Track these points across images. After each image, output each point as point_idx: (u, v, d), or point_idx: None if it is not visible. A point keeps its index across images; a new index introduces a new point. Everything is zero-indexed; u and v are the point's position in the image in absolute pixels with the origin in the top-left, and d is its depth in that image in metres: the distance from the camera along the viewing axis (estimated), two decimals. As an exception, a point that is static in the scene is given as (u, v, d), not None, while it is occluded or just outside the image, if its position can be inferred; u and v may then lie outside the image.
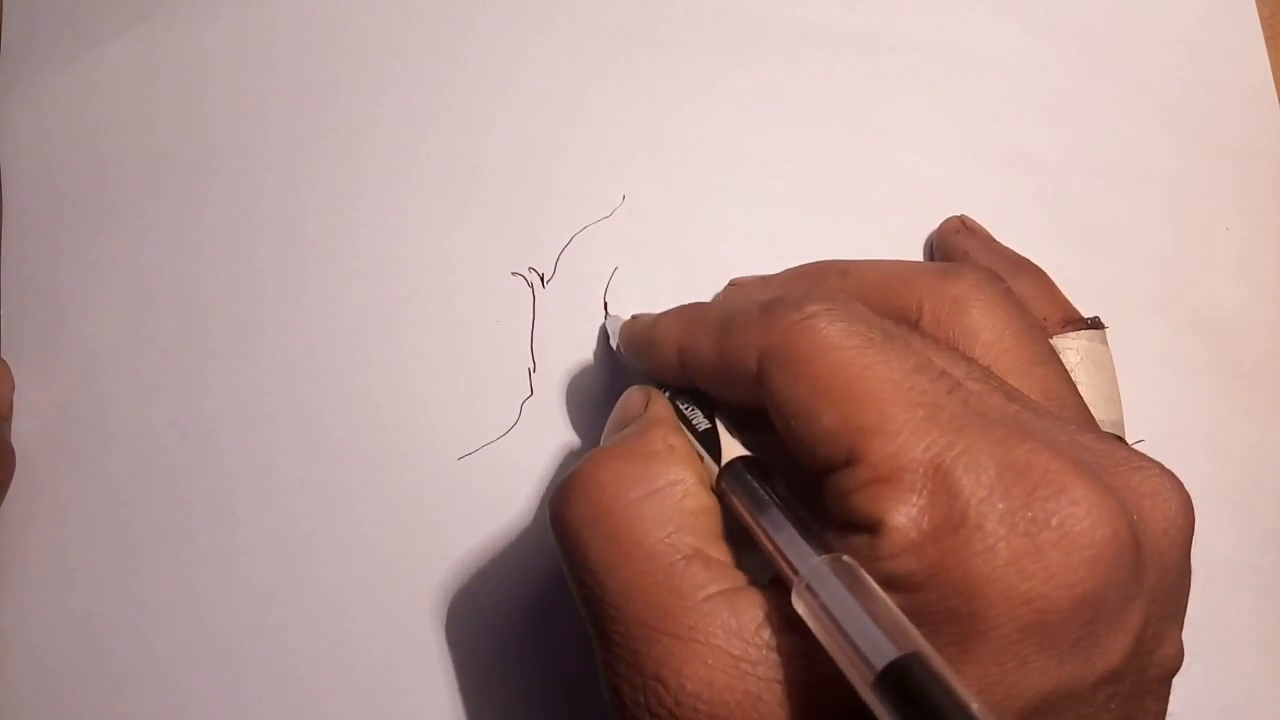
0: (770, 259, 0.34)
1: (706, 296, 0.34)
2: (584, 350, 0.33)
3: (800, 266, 0.29)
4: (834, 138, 0.35)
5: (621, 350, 0.29)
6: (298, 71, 0.35)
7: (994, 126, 0.36)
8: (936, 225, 0.34)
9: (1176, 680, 0.31)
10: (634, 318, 0.29)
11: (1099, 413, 0.26)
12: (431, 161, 0.35)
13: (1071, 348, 0.28)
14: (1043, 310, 0.29)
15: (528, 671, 0.30)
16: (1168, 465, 0.33)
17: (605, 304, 0.34)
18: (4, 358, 0.33)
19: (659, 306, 0.33)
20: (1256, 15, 0.37)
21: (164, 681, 0.30)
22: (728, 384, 0.23)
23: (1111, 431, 0.27)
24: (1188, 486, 0.32)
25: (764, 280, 0.30)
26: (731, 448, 0.24)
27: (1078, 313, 0.30)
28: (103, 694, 0.30)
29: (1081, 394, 0.25)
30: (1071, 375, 0.25)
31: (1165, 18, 0.37)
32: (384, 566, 0.31)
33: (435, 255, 0.34)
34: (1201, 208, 0.35)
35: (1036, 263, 0.32)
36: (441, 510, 0.32)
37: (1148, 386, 0.34)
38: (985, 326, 0.23)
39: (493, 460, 0.32)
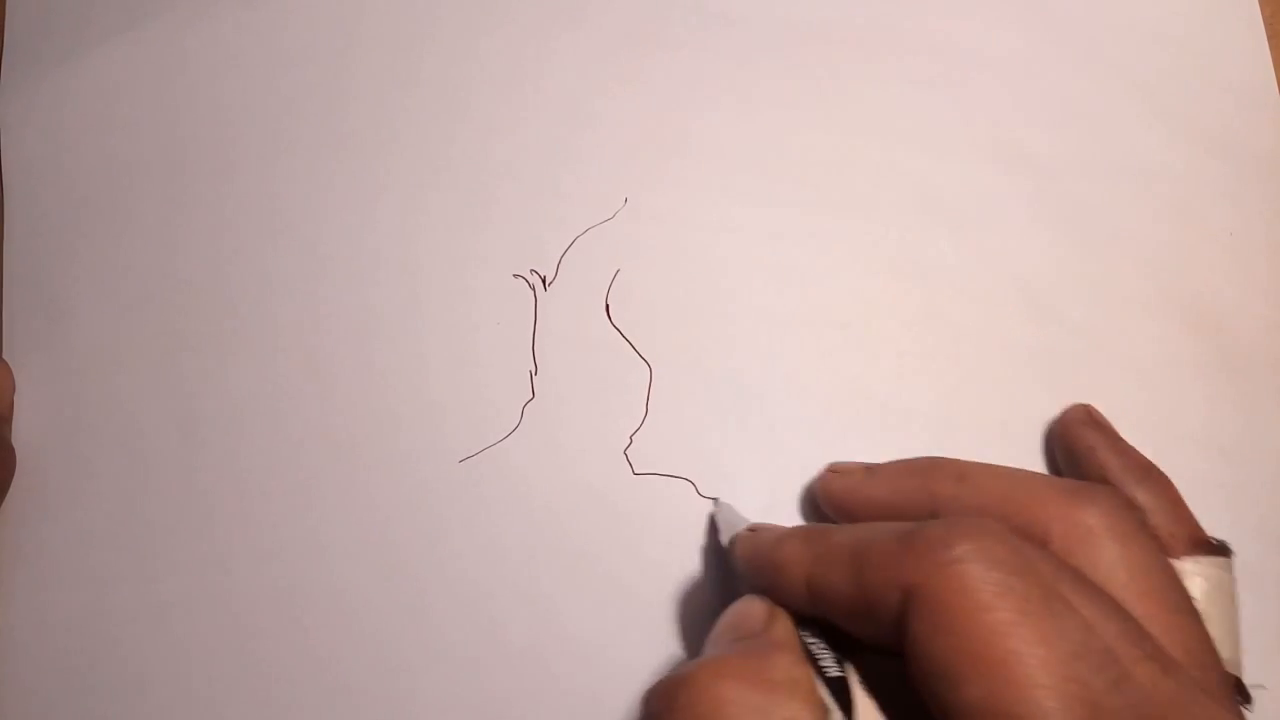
0: (772, 261, 0.34)
1: (707, 299, 0.34)
2: (586, 353, 0.33)
3: (913, 462, 0.27)
4: (836, 139, 0.35)
5: (737, 563, 0.27)
6: (303, 74, 0.35)
7: (995, 127, 0.36)
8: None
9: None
10: (752, 529, 0.27)
11: (1223, 651, 0.24)
12: (433, 164, 0.35)
13: (1200, 574, 0.26)
14: (1167, 527, 0.27)
15: (528, 673, 0.31)
16: (1165, 466, 0.33)
17: (608, 305, 0.33)
18: (4, 358, 0.33)
19: (661, 309, 0.33)
20: (1259, 15, 0.37)
21: (164, 681, 0.31)
22: (865, 621, 0.21)
23: (1231, 672, 0.25)
24: (1186, 487, 0.33)
25: (869, 471, 0.28)
26: (866, 711, 0.21)
27: (1204, 532, 0.27)
28: (102, 694, 0.30)
29: (1219, 624, 0.24)
30: (1200, 605, 0.24)
31: (1167, 18, 0.37)
32: (385, 568, 0.31)
33: (436, 257, 0.34)
34: (1203, 209, 0.35)
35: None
36: (443, 513, 0.32)
37: (1147, 387, 0.34)
38: (1120, 564, 0.22)
39: (494, 463, 0.32)
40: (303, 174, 0.34)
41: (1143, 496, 0.27)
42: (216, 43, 0.36)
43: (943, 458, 0.26)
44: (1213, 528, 0.33)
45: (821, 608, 0.22)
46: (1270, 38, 0.37)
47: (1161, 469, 0.29)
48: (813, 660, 0.22)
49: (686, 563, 0.31)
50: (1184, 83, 0.37)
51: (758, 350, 0.33)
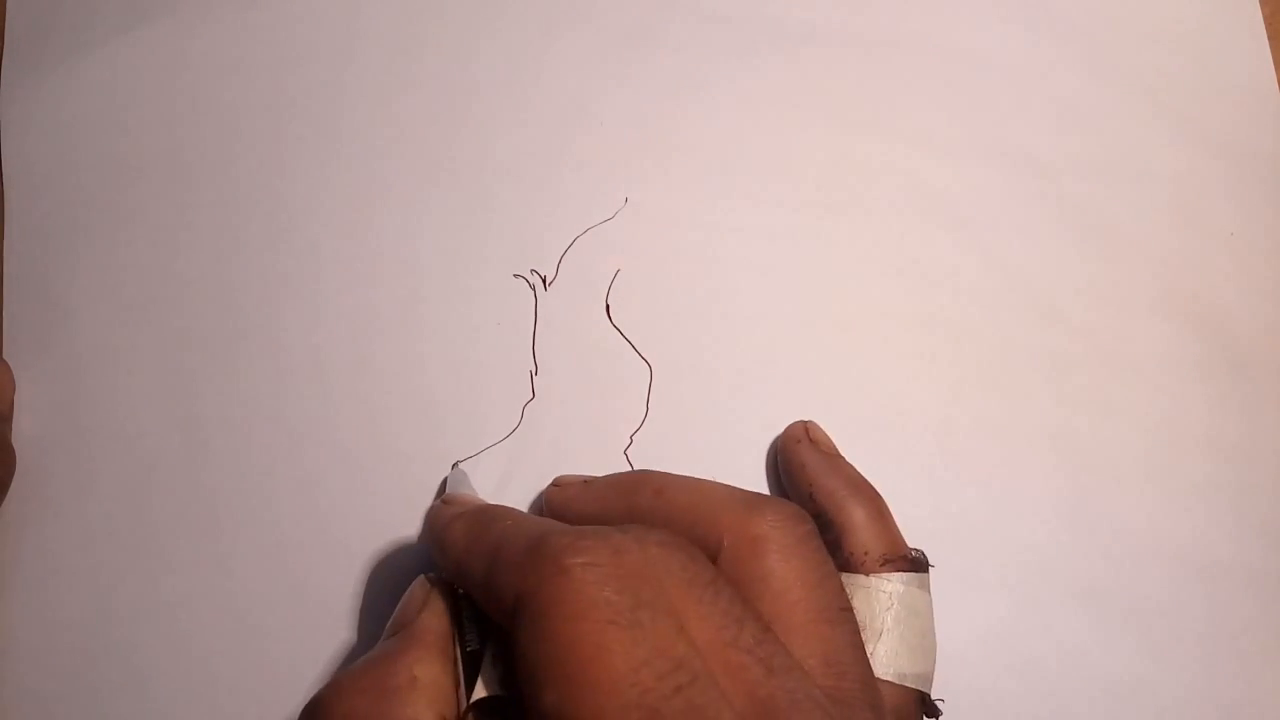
0: (772, 261, 0.34)
1: (707, 299, 0.34)
2: (586, 353, 0.33)
3: (620, 477, 0.28)
4: (837, 140, 0.35)
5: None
6: (304, 75, 0.35)
7: (997, 128, 0.36)
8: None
9: (1179, 682, 0.31)
10: (443, 500, 0.28)
11: (904, 664, 0.26)
12: (433, 164, 0.35)
13: (885, 590, 0.26)
14: (865, 543, 0.27)
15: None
16: (1167, 467, 0.33)
17: (608, 305, 0.34)
18: (4, 358, 0.33)
19: (661, 309, 0.33)
20: (1260, 16, 0.37)
21: (165, 681, 0.30)
22: (495, 616, 0.22)
23: (915, 686, 0.26)
24: (1188, 488, 0.33)
25: (585, 484, 0.29)
26: (489, 682, 0.22)
27: (904, 548, 0.28)
28: (102, 694, 0.30)
29: (888, 642, 0.25)
30: (880, 620, 0.25)
31: (1168, 19, 0.37)
32: (385, 568, 0.31)
33: (437, 257, 0.34)
34: (1204, 210, 0.35)
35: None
36: (443, 512, 0.32)
37: (1148, 387, 0.34)
38: (778, 574, 0.23)
39: (494, 463, 0.32)
40: (303, 174, 0.34)
41: (849, 511, 0.28)
42: (217, 43, 0.36)
43: (649, 472, 0.27)
44: (1215, 527, 0.33)
45: (469, 594, 0.24)
46: (1270, 38, 0.37)
47: (872, 485, 0.29)
48: (462, 635, 0.23)
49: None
50: (1185, 83, 0.37)
51: (758, 350, 0.33)
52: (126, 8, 0.36)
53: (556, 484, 0.30)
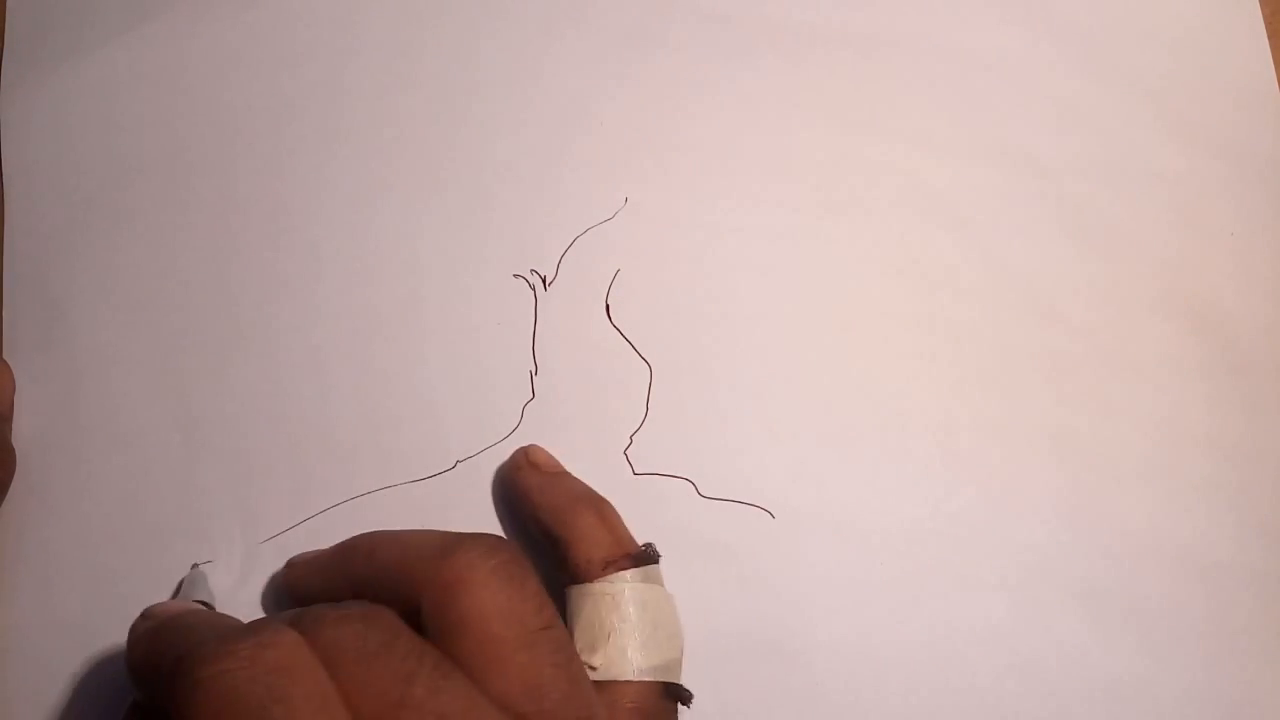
0: (772, 261, 0.34)
1: (707, 299, 0.34)
2: (587, 353, 0.33)
3: (337, 547, 0.27)
4: (837, 140, 0.35)
5: None
6: (302, 74, 0.35)
7: (997, 128, 0.36)
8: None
9: (1179, 682, 0.31)
10: (143, 614, 0.27)
11: (639, 660, 0.26)
12: (433, 164, 0.35)
13: (609, 593, 0.27)
14: (587, 552, 0.28)
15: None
16: (1168, 467, 0.33)
17: (608, 305, 0.34)
18: (4, 358, 0.33)
19: (661, 309, 0.33)
20: (1260, 16, 0.37)
21: (165, 682, 0.30)
22: None
23: (656, 679, 0.26)
24: (1188, 488, 0.33)
25: (310, 562, 0.29)
26: None
27: (628, 546, 0.28)
28: (102, 694, 0.30)
29: (617, 642, 0.26)
30: (608, 622, 0.26)
31: (1169, 19, 0.37)
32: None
33: (437, 257, 0.34)
34: (1204, 210, 0.35)
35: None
36: (442, 513, 0.32)
37: (1149, 387, 0.34)
38: (473, 614, 0.22)
39: (494, 463, 0.32)
40: (303, 174, 0.34)
41: (576, 527, 0.28)
42: (217, 43, 0.36)
43: (361, 536, 0.26)
44: (1215, 527, 0.33)
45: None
46: (1271, 38, 0.37)
47: (596, 493, 0.29)
48: None
49: (686, 562, 0.31)
50: (1185, 83, 0.36)
51: (758, 350, 0.33)
52: (126, 8, 0.36)
53: (289, 564, 0.30)
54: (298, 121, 0.35)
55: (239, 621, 0.23)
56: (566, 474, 0.31)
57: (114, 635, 0.31)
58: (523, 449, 0.32)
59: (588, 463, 0.32)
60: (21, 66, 0.35)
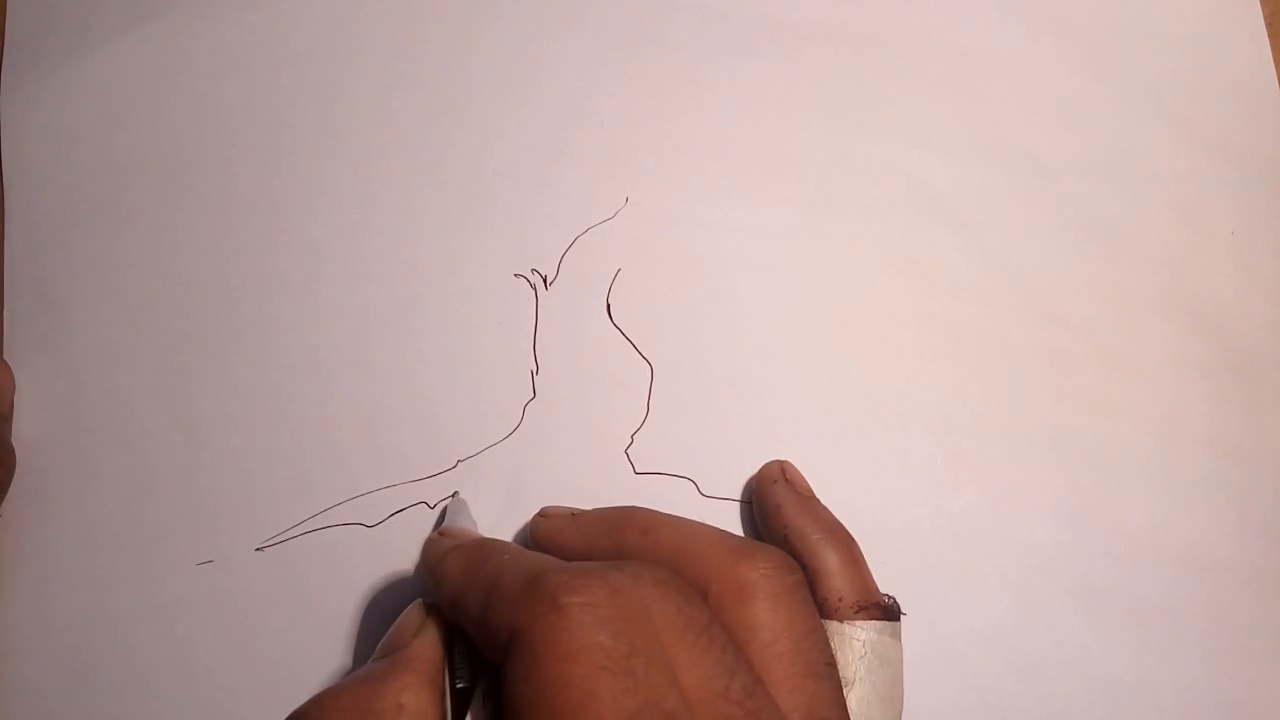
0: (772, 261, 0.34)
1: (707, 298, 0.34)
2: (587, 353, 0.33)
3: (608, 512, 0.28)
4: (837, 139, 0.35)
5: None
6: (302, 73, 0.35)
7: (997, 127, 0.36)
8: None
9: (1180, 682, 0.31)
10: (440, 532, 0.28)
11: (875, 714, 0.26)
12: (434, 163, 0.35)
13: (859, 639, 0.26)
14: (840, 589, 0.27)
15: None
16: (1168, 466, 0.33)
17: (609, 305, 0.34)
18: (4, 358, 0.33)
19: (662, 309, 0.33)
20: (1261, 16, 0.37)
21: (165, 681, 0.30)
22: (488, 652, 0.22)
23: None
24: (1188, 487, 0.33)
25: (572, 518, 0.28)
26: None
27: (878, 595, 0.28)
28: (103, 694, 0.30)
29: (859, 692, 0.25)
30: (853, 668, 0.26)
31: (1168, 18, 0.37)
32: (384, 570, 0.31)
33: (438, 257, 0.34)
34: (1205, 209, 0.35)
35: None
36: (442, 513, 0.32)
37: (1149, 387, 0.34)
38: (765, 624, 0.23)
39: (495, 463, 0.32)
40: (304, 174, 0.34)
41: (823, 555, 0.28)
42: (217, 43, 0.36)
43: (636, 509, 0.27)
44: (1216, 526, 0.33)
45: (463, 627, 0.23)
46: (1270, 38, 0.37)
47: (846, 529, 0.29)
48: (452, 670, 0.23)
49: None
50: (1185, 82, 0.37)
51: (758, 350, 0.33)
52: (126, 8, 0.36)
53: (543, 514, 0.30)
54: (298, 121, 0.35)
55: (537, 554, 0.24)
56: (817, 499, 0.31)
57: (114, 635, 0.31)
58: (779, 463, 0.32)
59: (589, 462, 0.32)
60: (21, 66, 0.35)
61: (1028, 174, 0.35)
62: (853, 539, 0.29)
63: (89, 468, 0.32)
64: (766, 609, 0.23)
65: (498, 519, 0.32)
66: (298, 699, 0.30)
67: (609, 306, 0.34)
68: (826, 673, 0.23)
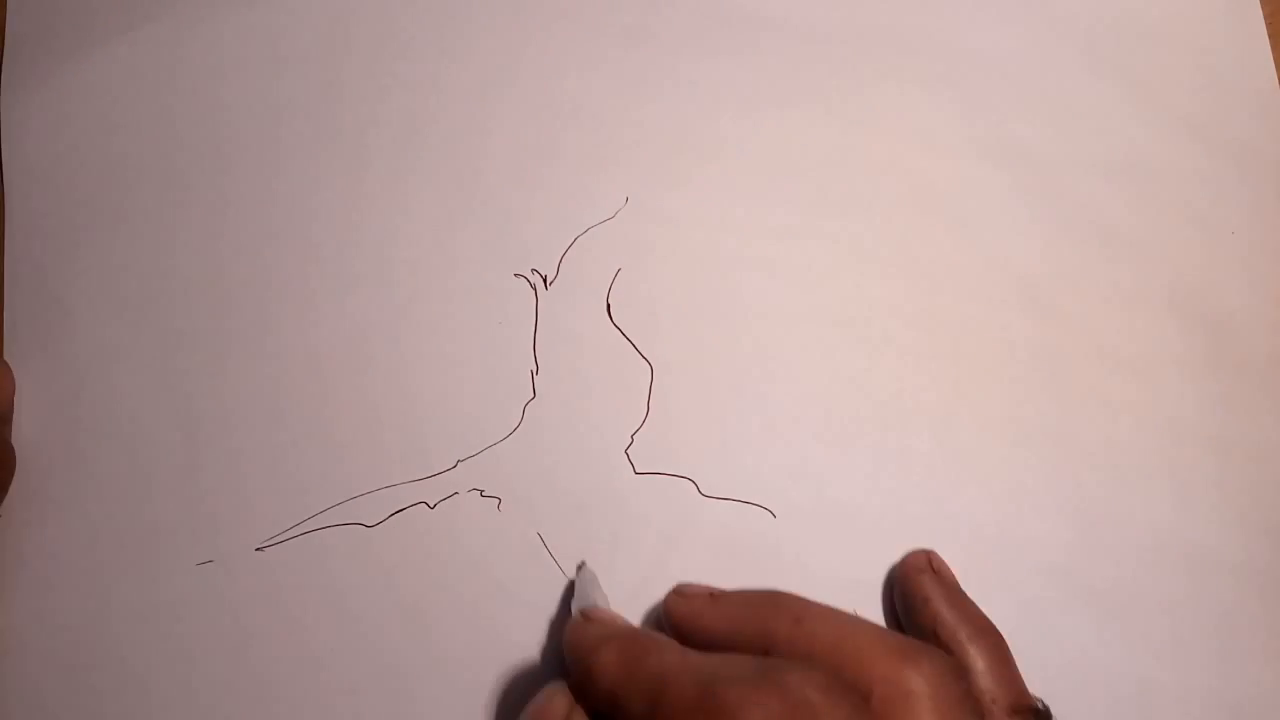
0: (773, 261, 0.34)
1: (708, 298, 0.34)
2: (587, 353, 0.33)
3: (752, 596, 0.27)
4: (838, 138, 0.35)
5: (564, 653, 0.27)
6: (301, 73, 0.35)
7: (997, 127, 0.36)
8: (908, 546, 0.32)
9: (1182, 682, 0.31)
10: (584, 616, 0.27)
11: None
12: (434, 163, 0.35)
13: None
14: (991, 690, 0.27)
15: (529, 674, 0.30)
16: (1170, 466, 0.33)
17: (609, 305, 0.33)
18: (4, 358, 0.33)
19: (662, 309, 0.33)
20: (1260, 16, 0.37)
21: (164, 682, 0.30)
22: None
23: None
24: (1192, 488, 0.33)
25: (713, 599, 0.28)
26: None
27: (1029, 698, 0.27)
28: (102, 694, 0.30)
29: None
30: None
31: (1169, 18, 0.37)
32: (384, 570, 0.31)
33: (438, 257, 0.34)
34: (1206, 209, 0.35)
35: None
36: (442, 513, 0.32)
37: (1151, 386, 0.34)
38: None
39: (495, 463, 0.32)
40: (303, 174, 0.34)
41: (972, 654, 0.27)
42: (216, 44, 0.36)
43: (784, 595, 0.26)
44: (1218, 526, 0.33)
45: None
46: (1270, 38, 0.37)
47: (995, 626, 0.29)
48: None
49: (687, 562, 0.31)
50: (1185, 81, 0.37)
51: (758, 349, 0.33)
52: (126, 8, 0.36)
53: (679, 593, 0.29)
54: (297, 121, 0.35)
55: (702, 655, 0.23)
56: (964, 593, 0.30)
57: (114, 635, 0.31)
58: (926, 553, 0.31)
59: (589, 462, 0.32)
60: (21, 66, 0.35)
61: (1028, 173, 0.35)
62: (1002, 637, 0.28)
63: (89, 468, 0.32)
64: (933, 716, 0.22)
65: (499, 521, 0.32)
66: (297, 699, 0.30)
67: (609, 306, 0.34)
68: None
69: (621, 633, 0.25)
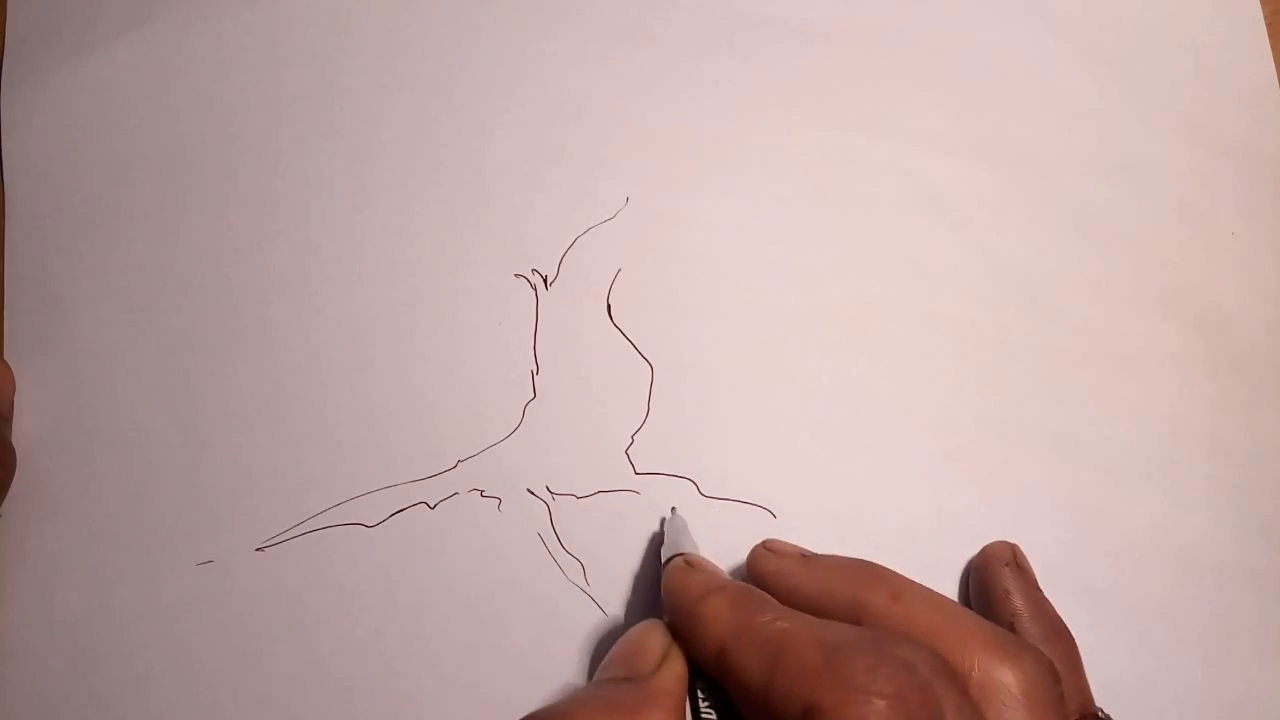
0: (773, 261, 0.34)
1: (708, 298, 0.34)
2: (587, 353, 0.33)
3: (846, 563, 0.27)
4: (839, 138, 0.35)
5: (663, 590, 0.26)
6: (302, 73, 0.35)
7: (998, 127, 0.36)
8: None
9: (1179, 682, 0.31)
10: (689, 563, 0.27)
11: None
12: (435, 163, 0.35)
13: None
14: (1064, 693, 0.26)
15: (530, 675, 0.30)
16: (1169, 466, 0.33)
17: (609, 305, 0.34)
18: (4, 358, 0.33)
19: (662, 309, 0.33)
20: (1260, 16, 0.37)
21: (165, 682, 0.30)
22: (760, 714, 0.21)
23: None
24: (1191, 488, 0.33)
25: (805, 560, 0.27)
26: None
27: (1094, 706, 0.27)
28: (102, 694, 0.30)
29: None
30: None
31: (1169, 19, 0.37)
32: (384, 570, 0.31)
33: (438, 257, 0.34)
34: (1206, 209, 0.35)
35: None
36: (442, 513, 0.32)
37: (1150, 386, 0.34)
38: None
39: (495, 463, 0.32)
40: (303, 174, 0.34)
41: (1053, 657, 0.27)
42: (217, 43, 0.36)
43: (879, 567, 0.26)
44: (1216, 527, 0.33)
45: (725, 680, 0.23)
46: (1270, 38, 0.37)
47: (1070, 632, 0.28)
48: (696, 714, 0.22)
49: (687, 562, 0.31)
50: (1185, 82, 0.37)
51: (758, 349, 0.33)
52: (126, 8, 0.36)
53: (769, 548, 0.29)
54: (297, 121, 0.35)
55: (817, 619, 0.23)
56: (1042, 592, 0.30)
57: (114, 635, 0.31)
58: (1009, 544, 0.31)
59: (589, 462, 0.32)
60: (22, 66, 0.35)
61: (1028, 174, 0.35)
62: (1075, 643, 0.28)
63: (89, 468, 0.32)
64: (1026, 715, 0.22)
65: (499, 521, 0.32)
66: (298, 699, 0.30)
67: (609, 306, 0.34)
68: None
69: (731, 585, 0.25)
